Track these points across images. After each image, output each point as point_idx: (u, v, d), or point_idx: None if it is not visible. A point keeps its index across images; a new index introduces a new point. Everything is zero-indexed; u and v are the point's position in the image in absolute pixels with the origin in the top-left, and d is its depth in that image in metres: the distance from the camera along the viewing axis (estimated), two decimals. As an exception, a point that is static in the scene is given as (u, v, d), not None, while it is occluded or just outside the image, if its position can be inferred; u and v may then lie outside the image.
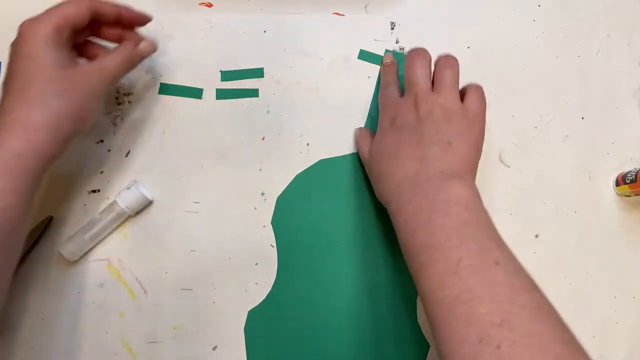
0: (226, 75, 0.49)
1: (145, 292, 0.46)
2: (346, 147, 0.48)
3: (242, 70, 0.49)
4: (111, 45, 0.44)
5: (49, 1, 0.50)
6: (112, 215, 0.45)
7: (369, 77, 0.49)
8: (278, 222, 0.47)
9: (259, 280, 0.46)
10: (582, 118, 0.50)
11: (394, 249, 0.47)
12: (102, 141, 0.47)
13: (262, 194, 0.48)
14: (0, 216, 0.33)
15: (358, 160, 0.48)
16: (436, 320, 0.33)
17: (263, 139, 0.48)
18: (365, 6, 0.51)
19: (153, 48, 0.43)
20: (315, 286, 0.46)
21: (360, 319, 0.46)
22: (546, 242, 0.48)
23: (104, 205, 0.47)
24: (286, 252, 0.47)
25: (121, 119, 0.48)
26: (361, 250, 0.47)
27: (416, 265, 0.36)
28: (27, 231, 0.37)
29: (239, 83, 0.49)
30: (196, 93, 0.49)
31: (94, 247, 0.46)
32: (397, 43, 0.50)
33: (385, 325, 0.46)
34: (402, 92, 0.45)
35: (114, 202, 0.45)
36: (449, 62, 0.43)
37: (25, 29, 0.37)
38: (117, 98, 0.49)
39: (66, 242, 0.45)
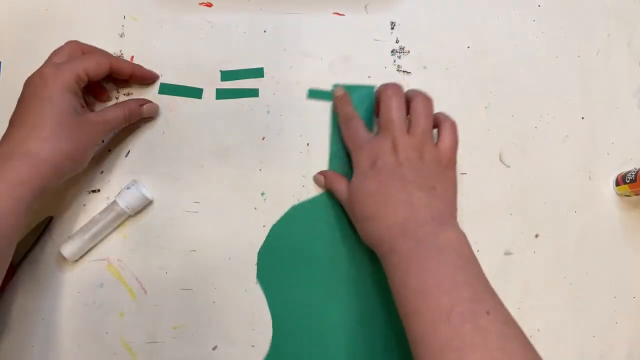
0: (226, 75, 0.49)
1: (145, 292, 0.46)
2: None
3: (242, 70, 0.49)
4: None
5: (49, 1, 0.50)
6: (112, 215, 0.45)
7: (369, 77, 0.49)
8: (264, 277, 0.46)
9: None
10: (582, 118, 0.50)
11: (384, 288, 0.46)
12: (102, 141, 0.47)
13: (262, 194, 0.48)
14: (3, 230, 0.37)
15: (329, 199, 0.47)
16: None
17: (263, 139, 0.48)
18: (365, 6, 0.51)
19: (155, 112, 0.48)
20: (314, 343, 0.46)
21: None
22: (546, 242, 0.48)
23: (104, 205, 0.47)
24: (279, 309, 0.46)
25: (121, 119, 0.48)
26: (353, 290, 0.46)
27: (408, 309, 0.36)
28: (10, 256, 0.40)
29: (239, 83, 0.49)
30: (196, 93, 0.49)
31: (94, 247, 0.46)
32: (397, 43, 0.50)
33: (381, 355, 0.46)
34: (368, 128, 0.46)
35: (114, 202, 0.45)
36: (425, 105, 0.43)
37: (49, 74, 0.40)
38: (117, 98, 0.49)
39: (66, 242, 0.45)
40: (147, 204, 0.47)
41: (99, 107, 0.48)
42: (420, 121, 0.42)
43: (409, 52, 0.50)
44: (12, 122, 0.40)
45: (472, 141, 0.49)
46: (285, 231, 0.47)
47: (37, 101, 0.40)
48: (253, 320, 0.46)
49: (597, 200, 0.49)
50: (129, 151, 0.48)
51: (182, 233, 0.47)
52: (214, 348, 0.46)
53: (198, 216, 0.47)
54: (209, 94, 0.49)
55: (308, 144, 0.48)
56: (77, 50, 0.44)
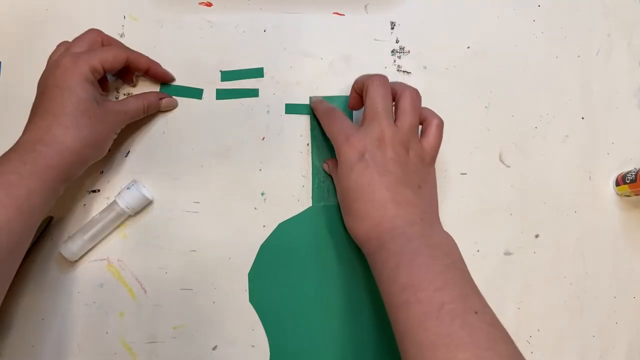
0: (226, 75, 0.49)
1: (145, 292, 0.46)
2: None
3: (242, 70, 0.49)
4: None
5: (49, 1, 0.50)
6: (112, 215, 0.45)
7: (369, 77, 0.49)
8: (256, 299, 0.46)
9: (259, 280, 0.47)
10: (582, 118, 0.50)
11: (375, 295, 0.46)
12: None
13: (262, 194, 0.48)
14: (26, 211, 0.38)
15: (316, 214, 0.47)
16: None
17: (263, 139, 0.48)
18: (365, 6, 0.51)
19: (172, 107, 0.48)
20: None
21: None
22: (546, 242, 0.48)
23: (104, 205, 0.47)
24: (274, 328, 0.46)
25: (121, 119, 0.48)
26: (345, 302, 0.46)
27: (396, 303, 0.36)
28: (31, 236, 0.41)
29: (239, 83, 0.49)
30: (196, 93, 0.49)
31: (94, 247, 0.46)
32: (397, 43, 0.50)
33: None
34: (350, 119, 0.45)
35: (114, 202, 0.45)
36: (413, 99, 0.42)
37: (68, 64, 0.41)
38: (117, 98, 0.49)
39: (66, 242, 0.45)
40: (147, 204, 0.47)
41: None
42: (408, 115, 0.41)
43: (409, 52, 0.50)
44: (35, 110, 0.42)
45: (472, 141, 0.49)
46: (274, 249, 0.46)
47: (58, 91, 0.40)
48: (253, 320, 0.46)
49: (597, 200, 0.49)
50: (129, 151, 0.48)
51: (182, 233, 0.47)
52: (214, 348, 0.46)
53: (198, 216, 0.47)
54: (209, 94, 0.49)
55: (308, 144, 0.48)
56: (97, 40, 0.44)
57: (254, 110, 0.49)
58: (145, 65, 0.46)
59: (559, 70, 0.50)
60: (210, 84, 0.49)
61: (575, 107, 0.50)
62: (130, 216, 0.46)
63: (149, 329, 0.46)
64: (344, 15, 0.51)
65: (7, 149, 0.40)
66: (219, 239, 0.47)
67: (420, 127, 0.43)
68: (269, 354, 0.45)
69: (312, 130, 0.49)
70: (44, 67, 0.44)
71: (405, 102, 0.41)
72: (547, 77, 0.50)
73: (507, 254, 0.48)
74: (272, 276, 0.46)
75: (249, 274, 0.46)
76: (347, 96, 0.49)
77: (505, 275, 0.47)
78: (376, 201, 0.39)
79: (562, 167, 0.49)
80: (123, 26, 0.50)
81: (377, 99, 0.41)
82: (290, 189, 0.48)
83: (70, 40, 0.45)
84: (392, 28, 0.51)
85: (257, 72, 0.49)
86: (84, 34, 0.44)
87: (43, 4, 0.50)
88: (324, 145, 0.48)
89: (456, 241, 0.47)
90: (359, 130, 0.41)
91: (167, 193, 0.47)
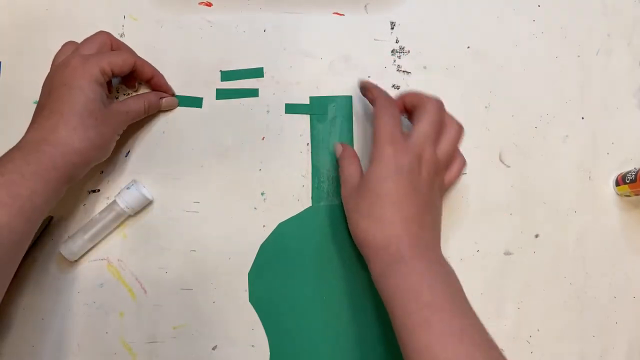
0: (226, 75, 0.49)
1: (145, 292, 0.46)
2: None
3: (242, 70, 0.49)
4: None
5: (49, 1, 0.50)
6: (112, 215, 0.45)
7: (369, 77, 0.49)
8: (256, 299, 0.46)
9: (259, 280, 0.47)
10: (582, 118, 0.50)
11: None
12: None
13: (262, 194, 0.48)
14: (28, 211, 0.38)
15: (315, 214, 0.47)
16: None
17: (263, 139, 0.48)
18: (365, 6, 0.51)
19: (173, 106, 0.49)
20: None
21: None
22: (546, 242, 0.48)
23: (104, 205, 0.47)
24: (274, 328, 0.46)
25: (121, 119, 0.48)
26: (345, 302, 0.46)
27: (414, 320, 0.36)
28: (32, 234, 0.41)
29: (239, 83, 0.49)
30: (196, 102, 0.49)
31: (94, 247, 0.46)
32: (397, 43, 0.50)
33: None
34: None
35: (114, 202, 0.45)
36: (458, 135, 0.43)
37: (78, 65, 0.41)
38: (117, 98, 0.49)
39: (66, 242, 0.45)
40: (147, 204, 0.47)
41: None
42: (449, 149, 0.42)
43: (409, 52, 0.50)
44: (42, 109, 0.41)
45: (472, 141, 0.49)
46: (274, 249, 0.46)
47: (66, 90, 0.40)
48: (253, 320, 0.46)
49: (597, 200, 0.49)
50: (129, 151, 0.48)
51: (182, 233, 0.47)
52: (214, 348, 0.46)
53: (198, 216, 0.47)
54: (209, 94, 0.49)
55: (308, 144, 0.48)
56: (106, 42, 0.44)
57: (254, 110, 0.49)
58: (150, 74, 0.46)
59: (559, 70, 0.50)
60: (210, 84, 0.49)
61: (575, 107, 0.50)
62: (130, 216, 0.46)
63: (149, 329, 0.46)
64: (344, 15, 0.51)
65: (6, 149, 0.40)
66: (219, 239, 0.47)
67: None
68: (269, 354, 0.45)
69: (312, 130, 0.49)
70: (44, 67, 0.44)
71: (452, 135, 0.42)
72: (547, 77, 0.50)
73: (507, 254, 0.48)
74: (272, 276, 0.46)
75: (249, 274, 0.46)
76: (347, 96, 0.49)
77: (505, 275, 0.47)
78: (404, 213, 0.39)
79: (562, 167, 0.49)
80: (123, 26, 0.50)
81: (432, 122, 0.41)
82: (290, 189, 0.48)
83: (71, 39, 0.45)
84: (392, 28, 0.51)
85: (257, 72, 0.49)
86: (93, 35, 0.44)
87: (43, 3, 0.50)
88: (324, 145, 0.48)
89: (456, 241, 0.48)
90: (406, 139, 0.41)
91: (167, 193, 0.47)
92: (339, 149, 0.46)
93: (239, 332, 0.46)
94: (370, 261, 0.40)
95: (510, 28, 0.51)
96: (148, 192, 0.46)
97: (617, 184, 0.48)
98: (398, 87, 0.49)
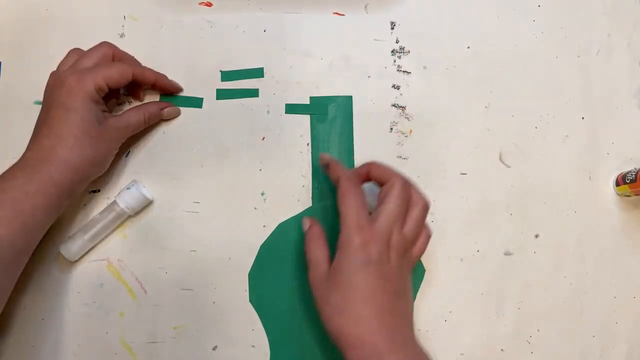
0: (226, 75, 0.49)
1: (145, 292, 0.46)
2: (346, 147, 0.48)
3: (242, 70, 0.49)
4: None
5: (49, 2, 0.50)
6: (112, 215, 0.45)
7: (369, 77, 0.49)
8: (256, 299, 0.46)
9: (259, 280, 0.47)
10: (582, 118, 0.50)
11: None
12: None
13: (262, 194, 0.48)
14: (30, 227, 0.40)
15: (317, 212, 0.47)
16: None
17: (263, 139, 0.48)
18: (365, 6, 0.51)
19: (175, 115, 0.48)
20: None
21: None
22: (546, 242, 0.48)
23: (104, 205, 0.47)
24: (274, 328, 0.46)
25: (121, 119, 0.48)
26: None
27: None
28: (33, 247, 0.43)
29: (239, 83, 0.49)
30: (197, 102, 0.49)
31: (94, 247, 0.46)
32: (397, 43, 0.50)
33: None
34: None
35: (114, 202, 0.45)
36: (424, 214, 0.42)
37: (73, 83, 0.41)
38: (117, 98, 0.49)
39: (66, 242, 0.45)
40: (147, 204, 0.47)
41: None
42: (416, 227, 0.41)
43: (409, 52, 0.50)
44: (40, 129, 0.42)
45: (472, 141, 0.49)
46: (274, 249, 0.46)
47: (63, 112, 0.41)
48: (253, 320, 0.46)
49: (597, 200, 0.49)
50: (129, 151, 0.48)
51: (182, 233, 0.47)
52: (214, 348, 0.46)
53: (198, 216, 0.47)
54: (209, 94, 0.49)
55: (308, 144, 0.48)
56: (108, 54, 0.44)
57: (254, 110, 0.49)
58: (152, 78, 0.46)
59: (559, 70, 0.50)
60: (210, 84, 0.49)
61: (575, 107, 0.50)
62: (130, 216, 0.46)
63: (149, 329, 0.46)
64: (344, 15, 0.51)
65: (6, 149, 0.40)
66: (219, 239, 0.47)
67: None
68: (269, 354, 0.45)
69: (312, 130, 0.49)
70: (44, 67, 0.44)
71: (418, 214, 0.41)
72: (547, 77, 0.50)
73: (507, 254, 0.48)
74: (272, 276, 0.46)
75: (249, 274, 0.46)
76: (347, 96, 0.49)
77: (505, 275, 0.47)
78: (377, 307, 0.38)
79: (562, 167, 0.49)
80: (123, 26, 0.50)
81: (398, 202, 0.40)
82: (290, 189, 0.48)
83: (71, 39, 0.45)
84: (392, 28, 0.51)
85: (257, 72, 0.49)
86: (95, 47, 0.44)
87: (43, 4, 0.50)
88: (324, 145, 0.48)
89: (456, 241, 0.48)
90: (372, 223, 0.40)
91: (167, 193, 0.47)
92: (305, 224, 0.44)
93: (239, 332, 0.46)
94: (347, 357, 0.38)
95: (510, 28, 0.51)
96: (148, 192, 0.46)
97: (617, 184, 0.48)
98: (398, 87, 0.49)
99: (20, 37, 0.50)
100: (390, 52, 0.50)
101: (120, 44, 0.46)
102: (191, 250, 0.47)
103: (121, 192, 0.46)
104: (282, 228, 0.47)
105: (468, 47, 0.50)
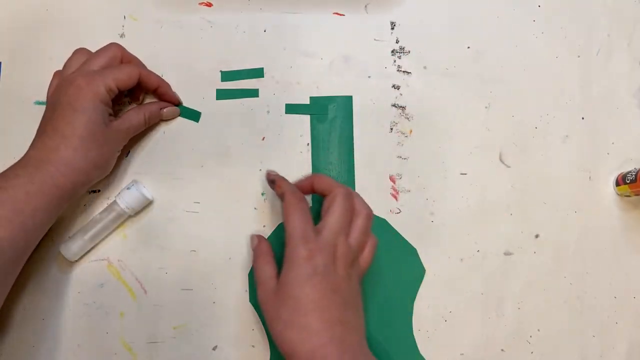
0: (226, 76, 0.49)
1: (145, 292, 0.46)
2: (346, 147, 0.48)
3: (242, 70, 0.49)
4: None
5: (49, 2, 0.50)
6: (112, 215, 0.45)
7: (369, 77, 0.49)
8: (256, 299, 0.44)
9: (259, 280, 0.46)
10: (582, 118, 0.50)
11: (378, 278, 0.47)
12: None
13: (262, 194, 0.48)
14: (29, 227, 0.40)
15: (317, 212, 0.45)
16: None
17: (263, 139, 0.48)
18: (365, 6, 0.51)
19: (174, 115, 0.48)
20: None
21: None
22: (546, 242, 0.48)
23: (104, 205, 0.47)
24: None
25: (121, 119, 0.48)
26: None
27: None
28: (32, 248, 0.42)
29: (239, 83, 0.49)
30: (194, 115, 0.48)
31: (94, 247, 0.46)
32: (397, 43, 0.50)
33: (380, 337, 0.46)
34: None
35: (114, 202, 0.45)
36: (368, 222, 0.42)
37: (83, 84, 0.41)
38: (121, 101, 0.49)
39: (66, 242, 0.45)
40: (147, 204, 0.47)
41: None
42: (361, 236, 0.41)
43: (409, 52, 0.50)
44: (45, 128, 0.42)
45: (472, 141, 0.49)
46: (274, 249, 0.45)
47: (70, 111, 0.41)
48: (253, 320, 0.46)
49: (597, 200, 0.49)
50: (129, 151, 0.48)
51: (182, 233, 0.47)
52: (214, 348, 0.46)
53: (198, 216, 0.47)
54: (209, 94, 0.49)
55: (308, 144, 0.48)
56: (117, 56, 0.44)
57: (254, 110, 0.49)
58: (156, 84, 0.46)
59: (559, 70, 0.50)
60: (211, 84, 0.49)
61: (575, 107, 0.50)
62: (130, 216, 0.46)
63: (149, 329, 0.46)
64: (344, 15, 0.51)
65: (7, 149, 0.40)
66: (219, 239, 0.47)
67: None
68: (269, 354, 0.45)
69: (312, 130, 0.49)
70: (44, 67, 0.44)
71: (362, 223, 0.41)
72: (547, 77, 0.50)
73: (507, 254, 0.48)
74: None
75: (249, 274, 0.46)
76: (347, 96, 0.49)
77: (505, 275, 0.47)
78: (326, 318, 0.38)
79: (562, 167, 0.49)
80: (123, 26, 0.50)
81: (342, 213, 0.40)
82: (290, 189, 0.48)
83: (71, 39, 0.45)
84: (392, 28, 0.51)
85: (257, 72, 0.49)
86: (104, 48, 0.44)
87: (43, 4, 0.50)
88: (324, 145, 0.48)
89: (456, 241, 0.48)
90: (316, 237, 0.40)
91: (167, 193, 0.47)
92: (253, 241, 0.44)
93: (239, 332, 0.46)
94: None
95: (510, 28, 0.51)
96: (148, 192, 0.46)
97: (617, 184, 0.48)
98: (398, 87, 0.49)
99: (20, 37, 0.50)
100: (390, 52, 0.50)
101: (120, 44, 0.46)
102: (191, 250, 0.47)
103: (121, 192, 0.46)
104: (282, 228, 0.47)
105: (468, 47, 0.50)
